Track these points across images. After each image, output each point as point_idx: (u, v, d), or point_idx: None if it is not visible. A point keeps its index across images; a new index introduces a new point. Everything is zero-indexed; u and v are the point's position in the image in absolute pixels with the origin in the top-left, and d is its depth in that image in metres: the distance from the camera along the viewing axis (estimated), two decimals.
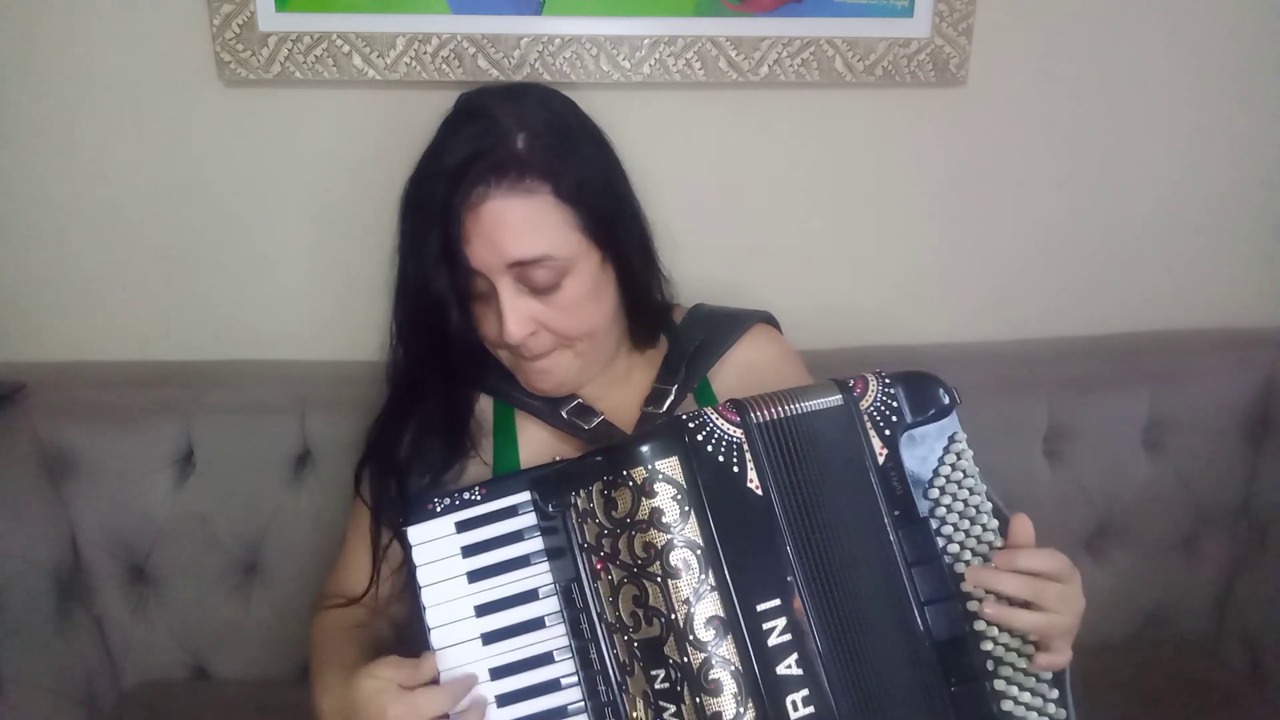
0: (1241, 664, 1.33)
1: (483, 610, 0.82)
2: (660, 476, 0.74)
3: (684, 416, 0.77)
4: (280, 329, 1.33)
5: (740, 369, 1.01)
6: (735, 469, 0.76)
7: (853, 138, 1.31)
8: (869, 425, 0.81)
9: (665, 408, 0.94)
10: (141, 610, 1.25)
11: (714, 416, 0.77)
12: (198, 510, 1.22)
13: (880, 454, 0.81)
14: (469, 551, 0.83)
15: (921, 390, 0.82)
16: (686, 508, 0.74)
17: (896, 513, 0.80)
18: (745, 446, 0.77)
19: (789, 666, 0.74)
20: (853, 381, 0.82)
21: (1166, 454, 1.32)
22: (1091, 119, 1.33)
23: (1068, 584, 0.79)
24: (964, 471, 0.81)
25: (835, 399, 0.81)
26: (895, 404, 0.82)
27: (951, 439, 0.82)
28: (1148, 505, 1.32)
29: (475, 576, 0.83)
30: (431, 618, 0.82)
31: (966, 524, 0.81)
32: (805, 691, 0.74)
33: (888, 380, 0.82)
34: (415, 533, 0.84)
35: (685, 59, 1.23)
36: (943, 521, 0.81)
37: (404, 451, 0.94)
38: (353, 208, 1.28)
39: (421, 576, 0.83)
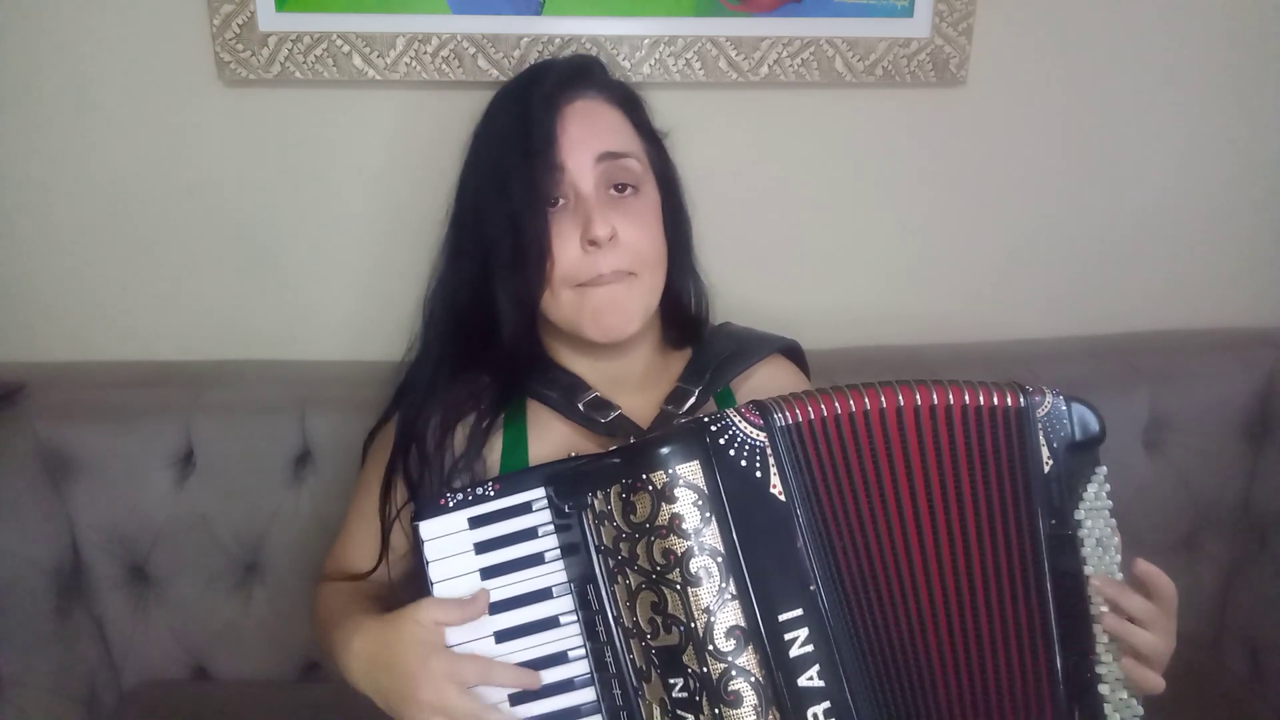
0: (1241, 664, 1.33)
1: (496, 608, 0.81)
2: (681, 481, 0.72)
3: (706, 419, 0.76)
4: (280, 329, 1.33)
5: (765, 387, 1.00)
6: (758, 474, 0.75)
7: (853, 138, 1.31)
8: (1041, 434, 0.80)
9: (686, 409, 0.93)
10: (141, 610, 1.24)
11: (736, 419, 0.75)
12: (198, 510, 1.22)
13: (1047, 464, 0.80)
14: (482, 548, 0.82)
15: (1087, 415, 0.82)
16: (708, 514, 0.72)
17: (1053, 522, 0.80)
18: (769, 451, 0.75)
19: (811, 678, 0.73)
20: (1032, 389, 0.82)
21: (1166, 454, 1.32)
22: (1091, 119, 1.33)
23: (1170, 620, 0.82)
24: (1103, 502, 0.82)
25: (1019, 399, 0.81)
26: (1066, 421, 0.81)
27: (1095, 469, 0.82)
28: (1148, 505, 1.32)
29: (488, 574, 0.81)
30: None
31: (1100, 551, 0.81)
32: (828, 704, 0.73)
33: (1061, 396, 0.82)
34: (427, 528, 0.82)
35: (685, 59, 1.23)
36: (1082, 544, 0.81)
37: (432, 429, 0.93)
38: (353, 207, 1.28)
39: (434, 573, 0.81)
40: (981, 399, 0.80)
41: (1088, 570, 0.80)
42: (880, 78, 1.26)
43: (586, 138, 0.91)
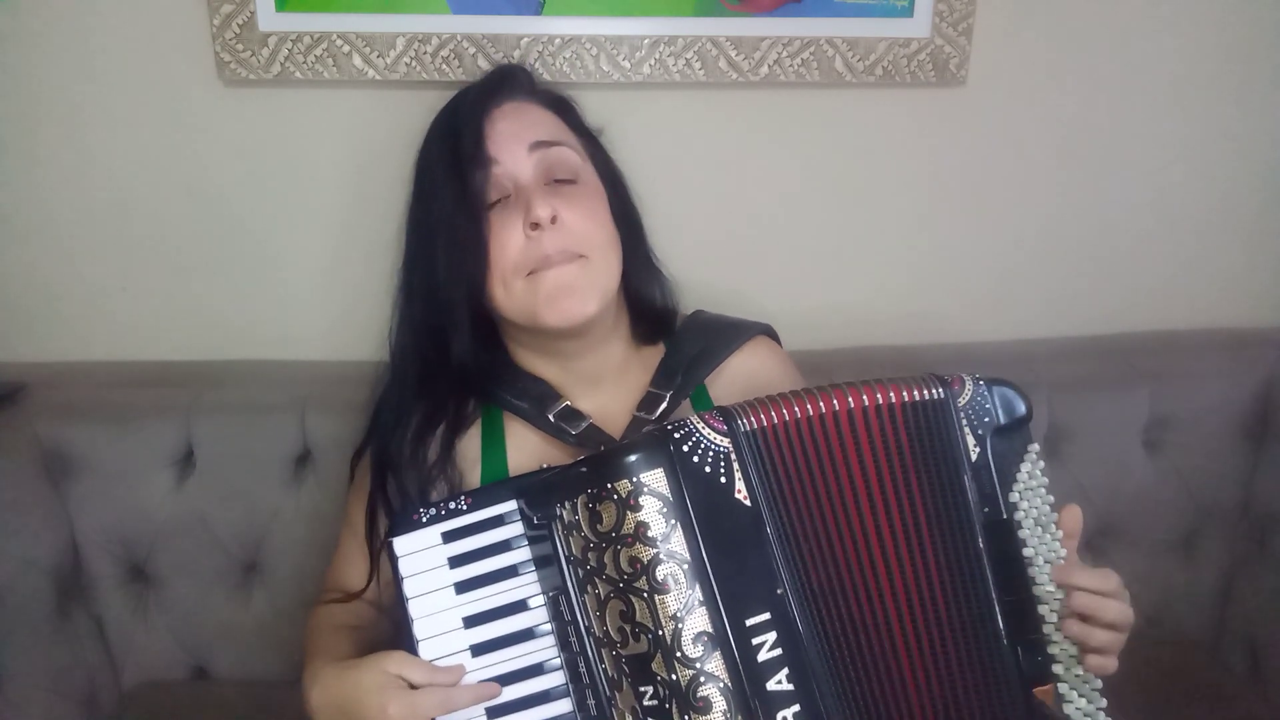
0: (1241, 664, 1.33)
1: (471, 622, 0.81)
2: (645, 489, 0.72)
3: (669, 426, 0.76)
4: (280, 329, 1.33)
5: (740, 378, 1.01)
6: (723, 480, 0.75)
7: (853, 138, 1.31)
8: (965, 423, 0.81)
9: (658, 414, 0.93)
10: (141, 610, 1.25)
11: (700, 426, 0.76)
12: (198, 510, 1.22)
13: (973, 451, 0.81)
14: (456, 562, 0.82)
15: (1010, 396, 0.83)
16: (673, 521, 0.73)
17: (986, 509, 0.80)
18: (733, 456, 0.75)
19: (779, 682, 0.73)
20: (951, 378, 0.82)
21: (1166, 454, 1.31)
22: (1091, 119, 1.33)
23: (1122, 601, 0.81)
24: (1037, 480, 0.82)
25: (938, 392, 0.81)
26: (988, 405, 0.82)
27: (1027, 448, 0.83)
28: (1148, 505, 1.31)
29: (463, 587, 0.82)
30: (419, 630, 0.81)
31: (1039, 530, 0.81)
32: (797, 707, 0.73)
33: (982, 382, 0.83)
34: (401, 544, 0.83)
35: (685, 59, 1.23)
36: (1020, 525, 0.81)
37: (405, 447, 0.94)
38: (353, 207, 1.28)
39: (408, 588, 0.82)
40: (906, 395, 0.80)
41: (1028, 552, 0.81)
42: (880, 78, 1.26)
43: (518, 131, 0.92)
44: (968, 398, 0.81)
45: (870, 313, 1.38)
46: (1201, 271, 1.41)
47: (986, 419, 0.81)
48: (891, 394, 0.80)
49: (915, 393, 0.80)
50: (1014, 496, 0.81)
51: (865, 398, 0.79)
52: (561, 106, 1.01)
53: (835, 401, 0.79)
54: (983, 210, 1.36)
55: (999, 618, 0.79)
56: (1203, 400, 1.31)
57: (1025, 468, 0.82)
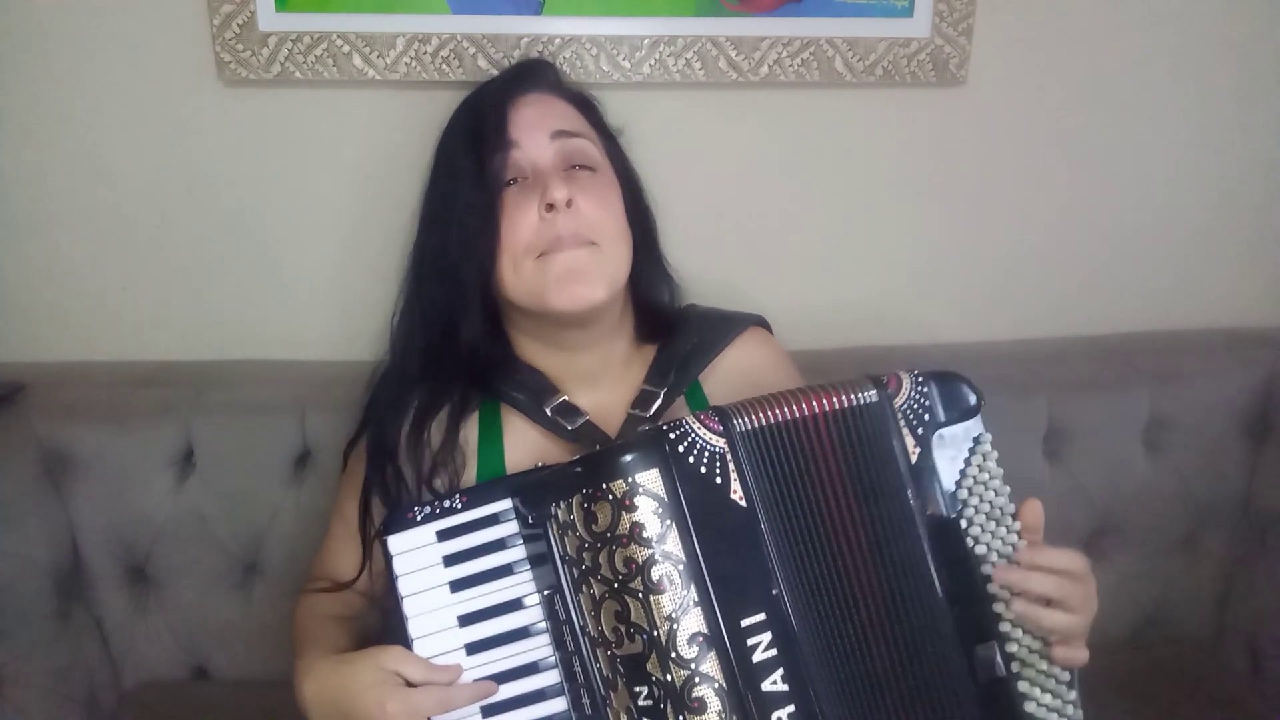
0: (1241, 664, 1.33)
1: (466, 620, 0.81)
2: (641, 489, 0.73)
3: (665, 426, 0.76)
4: (280, 329, 1.33)
5: (733, 372, 1.01)
6: (718, 480, 0.75)
7: (853, 138, 1.31)
8: (902, 423, 0.80)
9: (653, 411, 0.93)
10: (141, 610, 1.25)
11: (696, 426, 0.76)
12: (198, 510, 1.22)
13: (913, 453, 0.80)
14: (451, 561, 0.82)
15: (952, 389, 0.82)
16: (668, 521, 0.73)
17: (929, 511, 0.80)
18: (728, 457, 0.75)
19: (774, 682, 0.73)
20: (887, 378, 0.81)
21: (1166, 454, 1.31)
22: (1091, 119, 1.33)
23: (1086, 585, 0.80)
24: (989, 473, 0.81)
25: (871, 395, 0.80)
26: (928, 403, 0.81)
27: (977, 440, 0.81)
28: (1148, 505, 1.31)
29: (458, 586, 0.82)
30: (414, 628, 0.81)
31: (993, 525, 0.80)
32: (792, 707, 0.73)
33: (920, 378, 0.81)
34: (395, 542, 0.83)
35: (685, 59, 1.23)
36: (970, 523, 0.80)
37: (404, 433, 0.94)
38: (353, 207, 1.28)
39: (403, 587, 0.82)
40: (844, 400, 0.79)
41: (979, 550, 0.80)
42: (880, 78, 1.26)
43: (541, 118, 0.94)
44: (905, 397, 0.80)
45: (870, 313, 1.38)
46: (1201, 271, 1.41)
47: (926, 416, 0.80)
48: (836, 399, 0.79)
49: (850, 397, 0.80)
50: (962, 493, 0.80)
51: (826, 402, 0.79)
52: (584, 103, 1.02)
53: (804, 406, 0.79)
54: (983, 210, 1.35)
55: (950, 619, 0.79)
56: (1203, 400, 1.31)
57: (975, 461, 0.81)
